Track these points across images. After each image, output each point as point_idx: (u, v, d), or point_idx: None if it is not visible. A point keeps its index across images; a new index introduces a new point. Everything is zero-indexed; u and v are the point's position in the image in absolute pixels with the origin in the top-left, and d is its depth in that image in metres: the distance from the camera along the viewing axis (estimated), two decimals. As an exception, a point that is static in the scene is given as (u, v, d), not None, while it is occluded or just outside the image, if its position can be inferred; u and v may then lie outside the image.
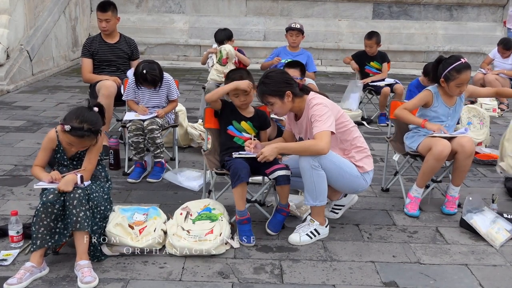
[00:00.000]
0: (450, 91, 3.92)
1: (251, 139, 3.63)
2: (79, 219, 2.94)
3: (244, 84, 3.59)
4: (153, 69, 4.41)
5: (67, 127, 2.97)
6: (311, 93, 3.51)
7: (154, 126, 4.41)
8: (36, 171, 3.18)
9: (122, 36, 5.50)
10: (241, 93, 3.63)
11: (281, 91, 3.40)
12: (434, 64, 4.02)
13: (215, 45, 6.48)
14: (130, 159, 4.66)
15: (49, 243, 2.97)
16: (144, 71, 4.38)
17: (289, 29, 6.26)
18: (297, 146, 3.44)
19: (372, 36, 6.85)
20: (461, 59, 3.84)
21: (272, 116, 4.03)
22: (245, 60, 6.24)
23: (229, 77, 3.74)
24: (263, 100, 3.49)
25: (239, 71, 3.80)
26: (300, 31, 6.20)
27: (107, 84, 4.97)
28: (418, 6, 11.76)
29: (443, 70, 3.87)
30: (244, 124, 3.70)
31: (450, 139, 3.84)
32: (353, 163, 3.49)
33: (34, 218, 2.97)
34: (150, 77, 4.40)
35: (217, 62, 6.08)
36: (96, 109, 3.14)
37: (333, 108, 3.44)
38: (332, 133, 3.33)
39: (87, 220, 2.98)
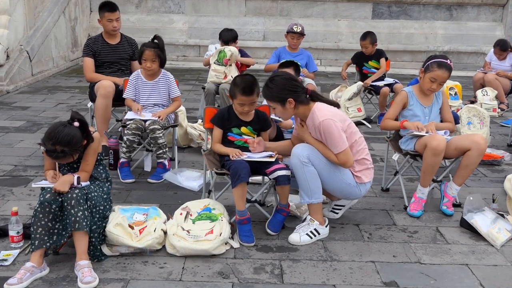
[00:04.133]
0: (423, 84, 4.01)
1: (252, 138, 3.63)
2: (77, 219, 2.94)
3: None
4: (161, 39, 4.63)
5: (42, 149, 2.98)
6: (318, 104, 3.43)
7: (156, 126, 4.41)
8: (45, 174, 3.22)
9: (123, 36, 5.49)
10: (248, 103, 3.56)
11: (283, 98, 3.37)
12: (427, 58, 4.19)
13: (212, 45, 6.47)
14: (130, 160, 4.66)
15: (47, 244, 2.97)
16: (151, 38, 4.63)
17: (290, 32, 6.29)
18: (326, 151, 3.36)
19: (366, 37, 6.88)
20: (449, 60, 3.97)
21: (272, 116, 4.03)
22: (249, 61, 6.24)
23: (237, 84, 3.56)
24: (267, 102, 3.49)
25: (247, 81, 3.57)
26: (302, 34, 6.24)
27: (105, 84, 4.96)
28: (418, 6, 11.75)
29: (427, 61, 4.03)
30: (244, 129, 3.68)
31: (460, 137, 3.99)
32: (351, 172, 3.47)
33: (33, 219, 2.98)
34: (159, 42, 4.59)
35: (216, 62, 6.02)
36: (76, 124, 3.02)
37: (341, 120, 3.39)
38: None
39: (86, 220, 2.97)
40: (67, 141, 2.95)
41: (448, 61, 3.95)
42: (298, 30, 6.23)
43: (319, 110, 3.38)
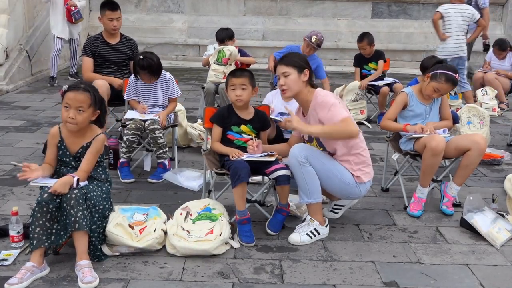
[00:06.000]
0: (425, 89, 4.03)
1: (252, 139, 3.62)
2: (77, 219, 2.93)
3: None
4: (149, 57, 4.43)
5: (65, 87, 3.13)
6: (318, 88, 3.52)
7: (156, 126, 4.40)
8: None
9: (123, 36, 5.49)
10: (238, 86, 3.60)
11: (301, 66, 3.43)
12: (434, 62, 4.22)
13: (211, 46, 6.46)
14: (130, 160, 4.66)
15: (46, 244, 2.96)
16: (141, 57, 4.42)
17: (306, 40, 6.15)
18: (326, 127, 3.32)
19: (363, 38, 6.86)
20: (457, 75, 4.01)
21: (272, 116, 4.03)
22: (249, 60, 6.22)
23: (232, 73, 3.71)
24: (280, 71, 3.45)
25: (242, 71, 3.73)
26: (317, 46, 6.16)
27: (99, 84, 4.90)
28: (417, 5, 11.75)
29: (437, 69, 4.01)
30: (243, 127, 3.68)
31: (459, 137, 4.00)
32: (350, 172, 3.46)
33: (31, 218, 2.98)
34: (146, 62, 4.39)
35: (215, 62, 6.01)
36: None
37: (343, 106, 3.43)
38: None
39: (85, 220, 2.97)
40: (90, 85, 3.27)
41: (456, 75, 4.00)
42: (314, 41, 6.08)
43: (321, 91, 3.48)
